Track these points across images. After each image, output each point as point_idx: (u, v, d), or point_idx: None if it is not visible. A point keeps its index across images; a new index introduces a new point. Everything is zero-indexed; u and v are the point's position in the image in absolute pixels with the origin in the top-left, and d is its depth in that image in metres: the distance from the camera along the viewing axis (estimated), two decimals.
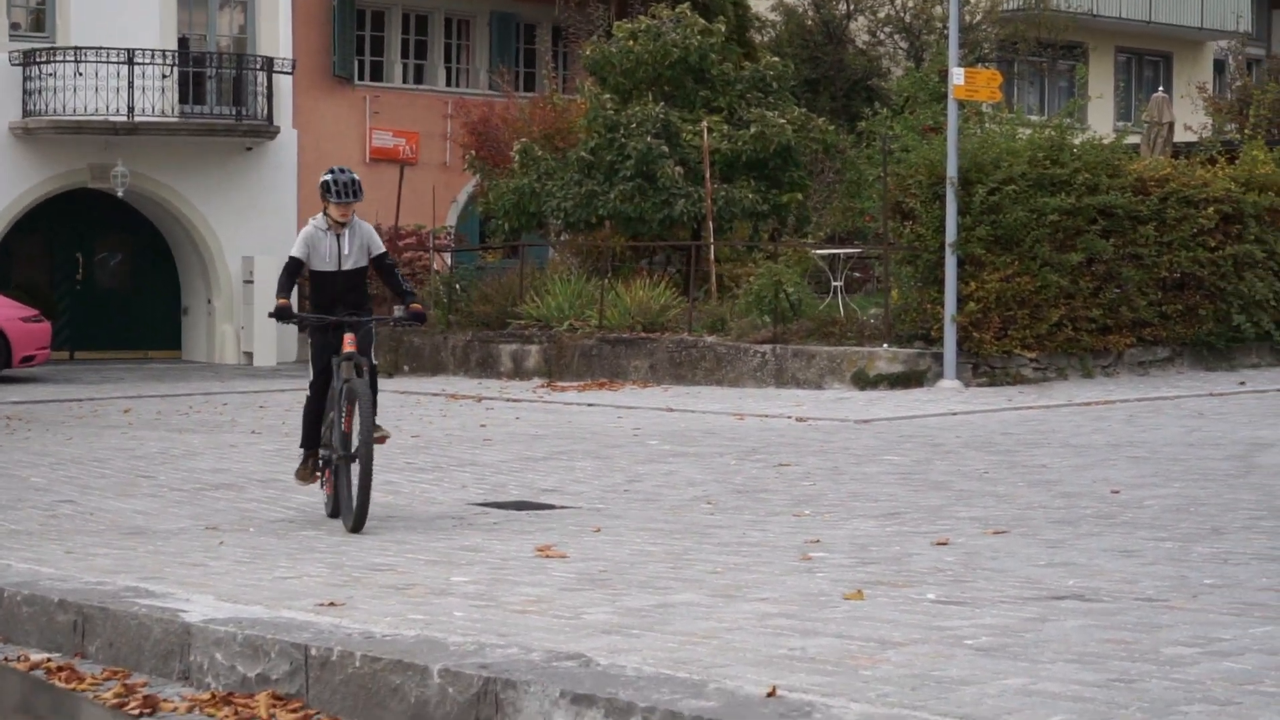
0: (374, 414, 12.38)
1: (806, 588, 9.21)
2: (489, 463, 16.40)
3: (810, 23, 40.59)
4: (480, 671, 7.10)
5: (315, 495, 13.58)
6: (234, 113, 37.07)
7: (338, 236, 12.84)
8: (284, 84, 37.20)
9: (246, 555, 10.79)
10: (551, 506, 13.10)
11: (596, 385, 25.35)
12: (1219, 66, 51.72)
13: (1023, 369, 24.17)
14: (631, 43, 30.13)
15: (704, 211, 28.33)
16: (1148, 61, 50.90)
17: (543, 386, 25.82)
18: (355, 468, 12.21)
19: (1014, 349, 24.08)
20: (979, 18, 39.05)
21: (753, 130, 29.12)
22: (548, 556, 10.37)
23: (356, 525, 11.93)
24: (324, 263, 12.84)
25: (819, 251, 27.55)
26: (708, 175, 28.29)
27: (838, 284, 26.59)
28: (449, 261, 33.69)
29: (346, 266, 12.86)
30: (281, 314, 12.80)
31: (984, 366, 23.99)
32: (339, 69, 38.64)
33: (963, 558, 10.30)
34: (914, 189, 24.36)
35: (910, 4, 40.21)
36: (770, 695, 6.60)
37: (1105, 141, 26.70)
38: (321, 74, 38.41)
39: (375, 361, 13.14)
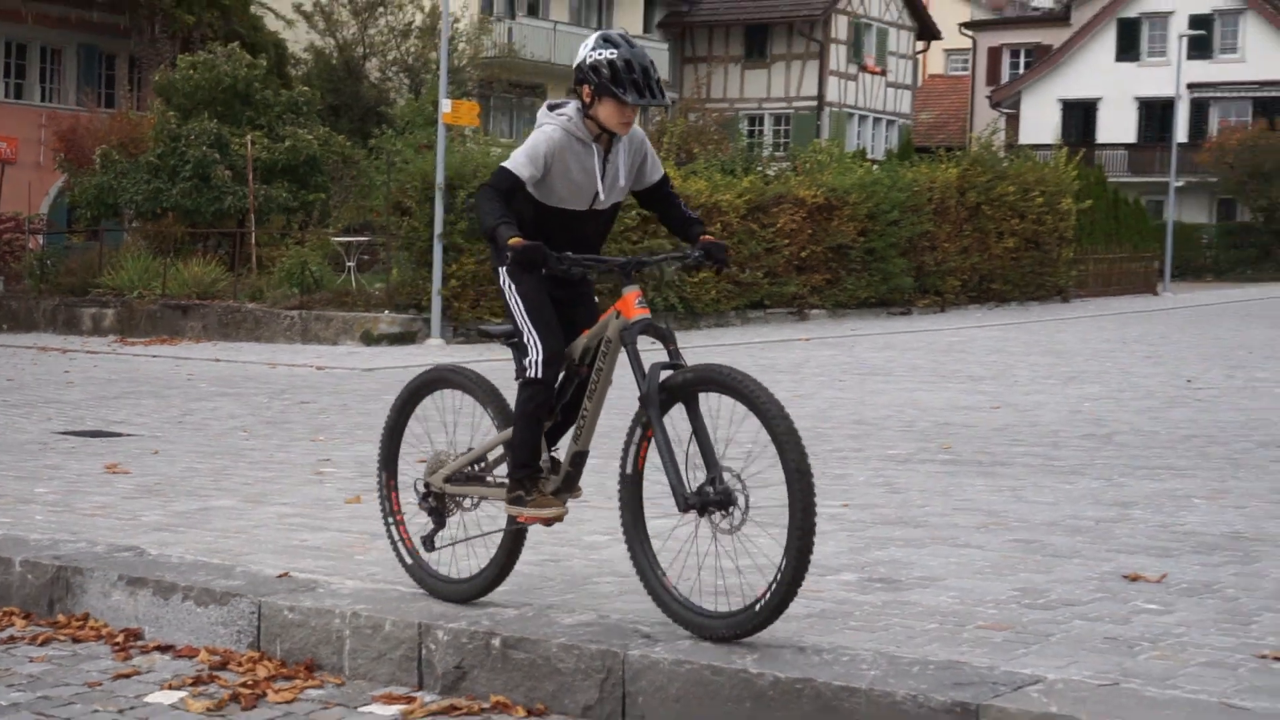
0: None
1: (318, 495, 9.22)
2: (71, 401, 15.86)
3: (334, 61, 40.21)
4: (54, 561, 6.94)
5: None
6: None
7: (606, 153, 6.01)
8: None
9: None
10: (120, 434, 12.73)
11: (160, 341, 24.71)
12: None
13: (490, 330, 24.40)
14: (192, 72, 29.80)
15: (248, 206, 27.97)
16: None
17: (116, 341, 25.04)
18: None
19: (485, 315, 24.33)
20: (464, 62, 39.19)
21: (287, 144, 28.92)
22: (114, 473, 10.13)
23: (778, 611, 5.39)
24: (571, 194, 5.96)
25: (337, 239, 27.40)
26: (250, 178, 27.93)
27: (351, 264, 26.51)
28: (42, 241, 32.68)
29: (607, 203, 6.06)
30: (532, 258, 5.70)
31: (462, 329, 24.17)
32: None
33: None
34: (411, 192, 24.42)
35: (412, 49, 40.17)
36: (283, 576, 6.63)
37: None
38: None
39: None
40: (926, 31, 63.97)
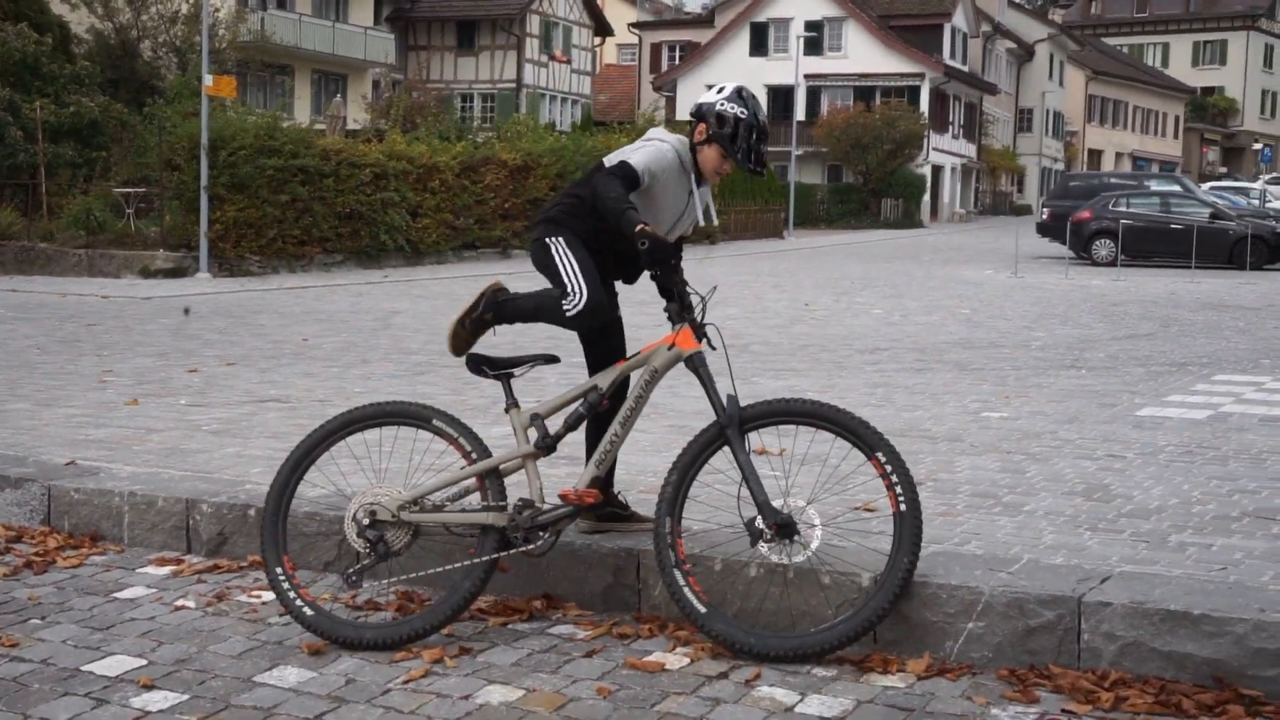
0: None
1: (102, 399, 8.87)
2: None
3: (112, 42, 38.36)
4: None
5: None
6: None
7: (699, 190, 4.97)
8: None
9: None
10: None
11: None
12: (375, 84, 51.84)
13: (250, 267, 23.74)
14: None
15: (38, 161, 26.55)
16: (331, 78, 50.48)
17: None
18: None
19: (245, 254, 23.63)
20: (224, 45, 37.81)
21: (72, 110, 27.56)
22: None
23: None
24: (655, 215, 4.85)
25: (118, 190, 26.22)
26: (40, 138, 26.52)
27: (130, 211, 25.40)
28: None
29: (673, 235, 4.99)
30: (666, 253, 4.59)
31: (226, 264, 23.44)
32: None
33: (206, 378, 10.12)
34: (180, 151, 23.51)
35: (179, 33, 38.55)
36: (70, 464, 6.36)
37: (303, 126, 26.40)
38: None
39: None
40: (602, 29, 64.09)
